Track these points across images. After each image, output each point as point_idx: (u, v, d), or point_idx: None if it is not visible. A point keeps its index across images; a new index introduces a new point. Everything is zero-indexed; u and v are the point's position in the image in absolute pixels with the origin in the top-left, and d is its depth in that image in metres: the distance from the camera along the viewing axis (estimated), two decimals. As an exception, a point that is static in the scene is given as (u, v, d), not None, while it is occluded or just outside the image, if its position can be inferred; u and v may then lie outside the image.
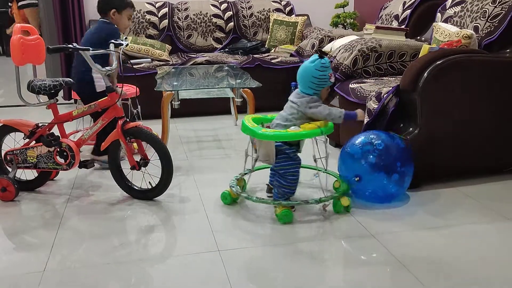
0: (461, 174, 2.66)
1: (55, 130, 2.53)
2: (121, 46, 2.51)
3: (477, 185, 2.58)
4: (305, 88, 2.21)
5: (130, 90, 3.22)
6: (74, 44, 2.33)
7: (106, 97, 2.45)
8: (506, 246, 1.97)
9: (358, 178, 2.31)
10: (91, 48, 2.37)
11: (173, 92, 3.08)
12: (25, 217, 2.31)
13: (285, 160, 2.21)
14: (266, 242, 2.03)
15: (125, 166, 2.49)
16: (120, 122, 2.41)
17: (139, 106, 3.43)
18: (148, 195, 2.46)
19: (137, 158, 2.49)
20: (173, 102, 3.13)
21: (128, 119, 2.45)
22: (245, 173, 2.51)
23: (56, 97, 2.51)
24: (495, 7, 2.83)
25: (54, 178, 2.74)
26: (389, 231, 2.10)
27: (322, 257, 1.91)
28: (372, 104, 2.64)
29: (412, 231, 2.09)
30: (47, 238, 2.07)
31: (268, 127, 2.28)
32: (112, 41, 2.52)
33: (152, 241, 2.07)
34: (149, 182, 2.47)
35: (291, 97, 2.26)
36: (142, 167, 2.47)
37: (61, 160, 2.45)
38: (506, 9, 2.77)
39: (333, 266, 1.85)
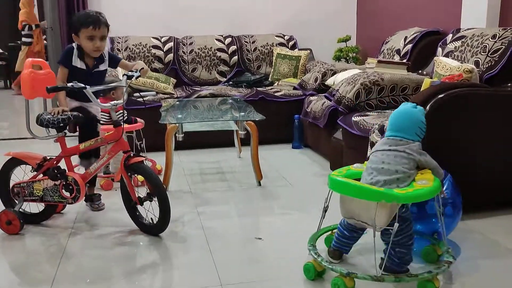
0: (467, 207, 2.63)
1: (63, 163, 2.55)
2: (129, 80, 2.48)
3: (485, 219, 2.55)
4: (411, 134, 1.94)
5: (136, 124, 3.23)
6: (75, 81, 2.32)
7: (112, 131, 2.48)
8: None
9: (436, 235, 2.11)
10: (88, 86, 2.33)
11: (177, 124, 3.11)
12: (29, 251, 2.30)
13: (404, 224, 1.83)
14: (270, 276, 2.01)
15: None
16: (124, 156, 2.42)
17: (143, 139, 3.45)
18: (151, 231, 2.46)
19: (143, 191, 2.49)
20: (177, 135, 3.15)
21: (133, 152, 2.46)
22: (320, 234, 2.16)
23: (65, 131, 2.54)
24: (495, 42, 2.88)
25: (62, 212, 2.74)
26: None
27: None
28: (375, 137, 2.66)
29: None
30: (49, 273, 2.06)
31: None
32: (125, 73, 2.49)
33: (154, 275, 2.05)
34: (151, 219, 2.46)
35: (386, 146, 1.94)
36: (148, 201, 2.46)
37: (67, 194, 2.45)
38: (506, 44, 2.81)
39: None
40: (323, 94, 3.79)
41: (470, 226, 2.47)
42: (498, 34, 2.90)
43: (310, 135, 4.04)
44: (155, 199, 2.39)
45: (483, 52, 2.94)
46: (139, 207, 2.47)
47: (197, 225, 2.55)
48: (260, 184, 3.20)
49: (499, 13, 3.22)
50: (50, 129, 2.52)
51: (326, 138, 3.58)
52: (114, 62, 2.78)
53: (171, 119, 3.16)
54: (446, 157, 2.49)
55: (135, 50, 4.65)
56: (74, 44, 2.64)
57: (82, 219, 2.66)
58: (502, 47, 2.83)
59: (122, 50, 4.63)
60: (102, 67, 2.72)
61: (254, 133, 3.16)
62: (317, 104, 3.77)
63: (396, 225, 1.75)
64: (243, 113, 3.36)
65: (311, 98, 3.98)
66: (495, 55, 2.85)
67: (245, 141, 3.54)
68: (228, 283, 1.95)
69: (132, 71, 2.52)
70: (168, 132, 3.11)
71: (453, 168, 2.51)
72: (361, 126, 2.88)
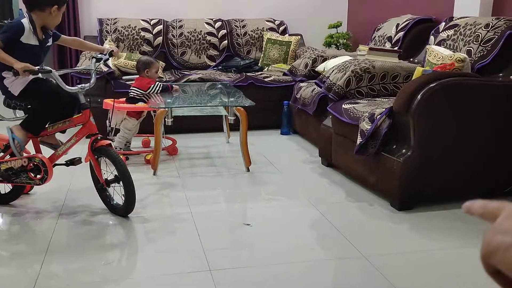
0: (456, 195, 2.63)
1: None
2: (98, 63, 2.51)
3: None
4: None
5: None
6: (42, 64, 2.33)
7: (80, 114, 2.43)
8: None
9: None
10: (53, 70, 2.31)
11: (166, 109, 3.06)
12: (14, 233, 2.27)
13: None
14: (258, 262, 2.00)
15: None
16: (91, 139, 2.38)
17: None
18: (118, 212, 2.44)
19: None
20: (166, 119, 3.11)
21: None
22: None
23: None
24: (488, 31, 2.87)
25: (29, 192, 2.69)
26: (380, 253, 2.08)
27: None
28: (365, 125, 2.65)
29: (403, 254, 2.08)
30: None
31: None
32: (94, 56, 2.52)
33: (142, 259, 2.03)
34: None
35: None
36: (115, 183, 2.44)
37: (35, 175, 2.41)
38: (499, 34, 2.81)
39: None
40: (313, 81, 3.76)
41: (455, 213, 2.49)
42: (491, 24, 2.89)
43: (299, 122, 4.02)
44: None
45: (475, 41, 2.93)
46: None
47: (185, 209, 2.53)
48: (248, 170, 3.18)
49: (492, 2, 3.21)
50: (17, 111, 2.49)
51: (315, 125, 3.56)
52: (55, 37, 2.58)
53: (161, 104, 3.11)
54: (437, 144, 2.50)
55: (124, 32, 4.56)
56: (24, 20, 2.34)
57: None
58: (495, 37, 2.83)
59: (111, 32, 4.54)
60: (50, 42, 2.52)
61: (244, 119, 3.13)
62: (306, 90, 3.74)
63: None
64: (232, 99, 3.32)
65: (301, 84, 3.95)
66: (488, 44, 2.85)
67: (233, 127, 3.51)
68: (217, 268, 1.93)
69: (102, 53, 2.53)
70: (157, 117, 3.07)
71: (443, 155, 2.53)
72: (351, 113, 2.87)
